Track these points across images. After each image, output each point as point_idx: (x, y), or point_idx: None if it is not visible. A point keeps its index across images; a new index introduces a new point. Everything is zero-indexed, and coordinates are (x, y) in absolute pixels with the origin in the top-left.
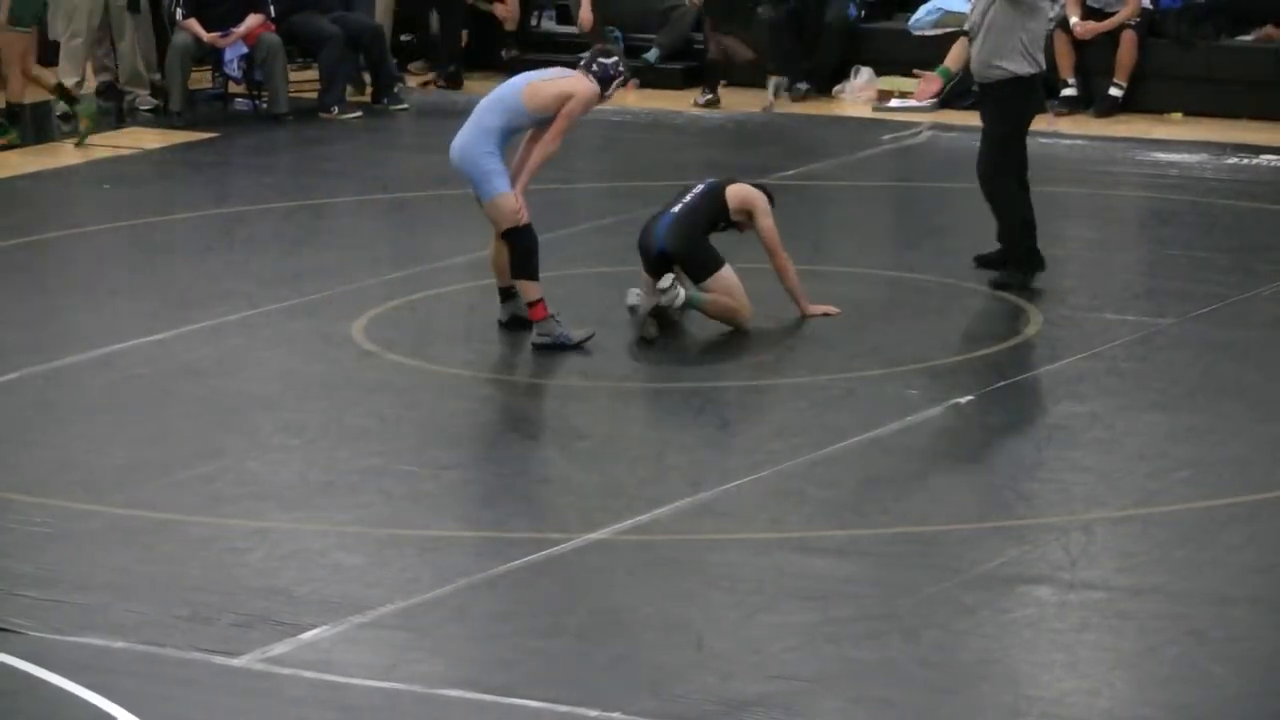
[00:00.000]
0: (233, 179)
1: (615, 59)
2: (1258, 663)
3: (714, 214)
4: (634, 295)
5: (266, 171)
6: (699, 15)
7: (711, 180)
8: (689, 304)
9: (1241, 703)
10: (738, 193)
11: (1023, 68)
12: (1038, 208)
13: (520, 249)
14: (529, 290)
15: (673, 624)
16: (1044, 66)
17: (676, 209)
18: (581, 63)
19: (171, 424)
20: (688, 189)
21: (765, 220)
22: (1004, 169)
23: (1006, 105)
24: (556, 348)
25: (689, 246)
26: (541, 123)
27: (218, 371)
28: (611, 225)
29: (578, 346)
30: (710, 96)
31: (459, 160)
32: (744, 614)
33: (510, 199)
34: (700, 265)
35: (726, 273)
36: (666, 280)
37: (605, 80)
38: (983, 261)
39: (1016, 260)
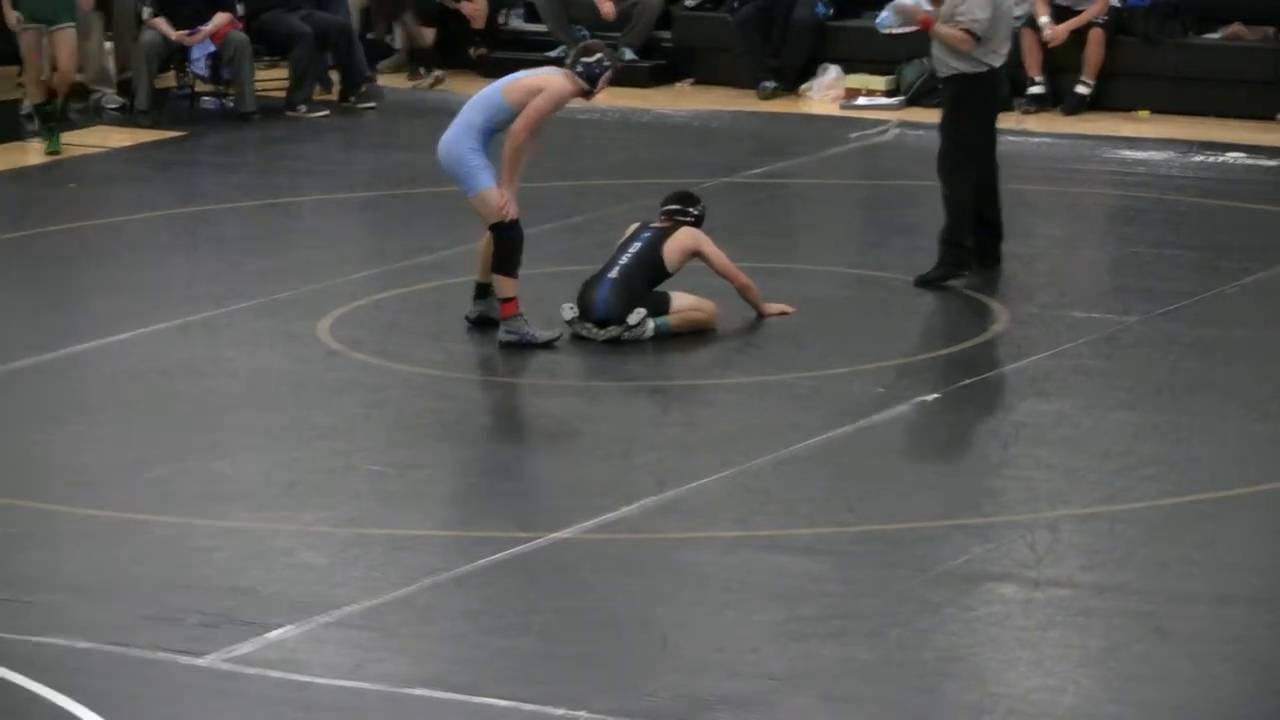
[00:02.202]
0: (200, 178)
1: (599, 56)
2: (1222, 660)
3: (653, 275)
4: (568, 310)
5: (233, 170)
6: (664, 10)
7: (647, 233)
8: (659, 332)
9: (1205, 700)
10: (674, 250)
11: (967, 65)
12: (1005, 206)
13: (504, 245)
14: (504, 286)
15: (639, 622)
16: (994, 66)
17: (614, 274)
18: (567, 62)
19: (137, 424)
20: (625, 246)
21: (711, 250)
22: (956, 163)
23: (954, 101)
24: (523, 346)
25: (631, 308)
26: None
27: (184, 371)
28: (580, 224)
29: (544, 346)
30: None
31: (444, 158)
32: (710, 612)
33: (495, 194)
34: (653, 311)
35: (678, 297)
36: (635, 316)
37: (591, 78)
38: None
39: (943, 255)
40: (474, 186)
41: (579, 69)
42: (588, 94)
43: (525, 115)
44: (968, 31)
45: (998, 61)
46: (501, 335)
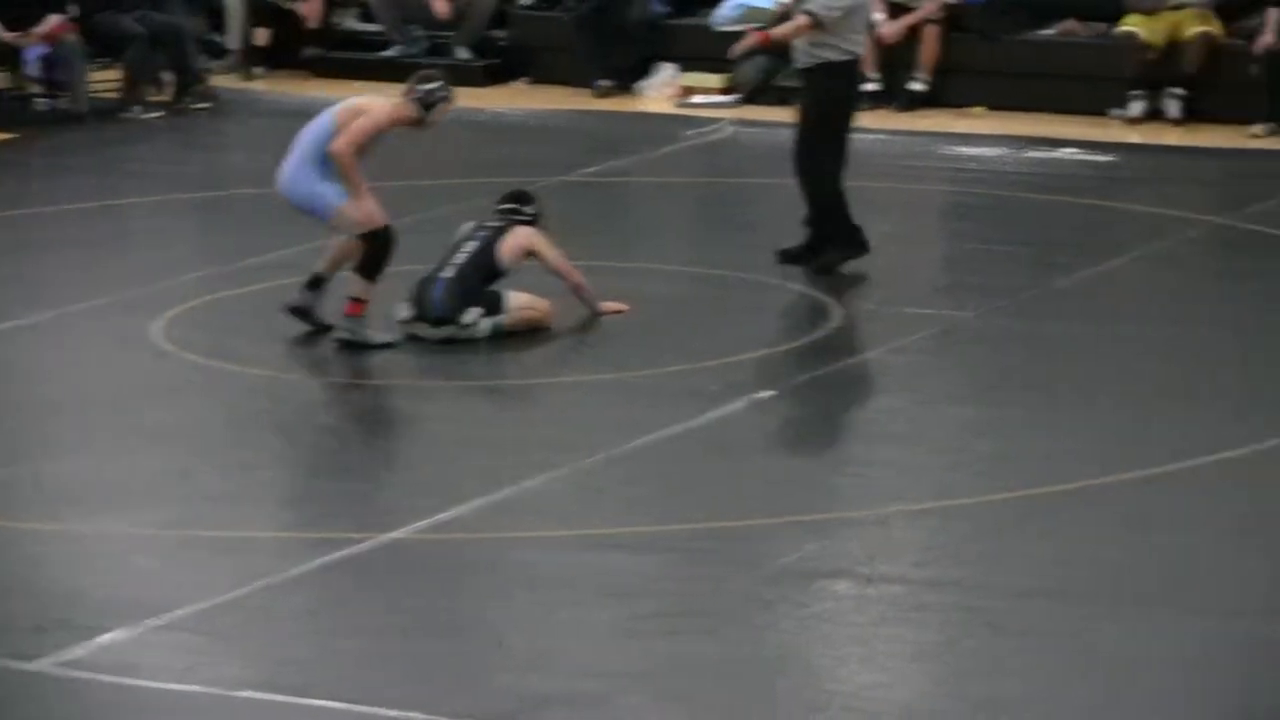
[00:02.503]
0: (32, 180)
1: (438, 84)
2: (1054, 654)
3: (487, 274)
4: (403, 309)
5: (67, 172)
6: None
7: (483, 233)
8: (494, 331)
9: (1038, 695)
10: (509, 249)
11: (833, 54)
12: None
13: (372, 250)
14: (359, 288)
15: (473, 623)
16: (858, 54)
17: (448, 273)
18: (404, 90)
19: None
20: (460, 245)
21: (549, 253)
22: (818, 154)
23: (818, 90)
24: (358, 347)
25: (466, 307)
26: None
27: (15, 374)
28: (414, 224)
29: (379, 348)
30: None
31: (286, 195)
32: (545, 611)
33: (351, 207)
34: (487, 310)
35: (513, 296)
36: (470, 316)
37: (426, 105)
38: (787, 257)
39: (838, 239)
40: (328, 211)
41: (416, 94)
42: (421, 122)
43: (347, 133)
44: (809, 15)
45: (858, 49)
46: (338, 333)
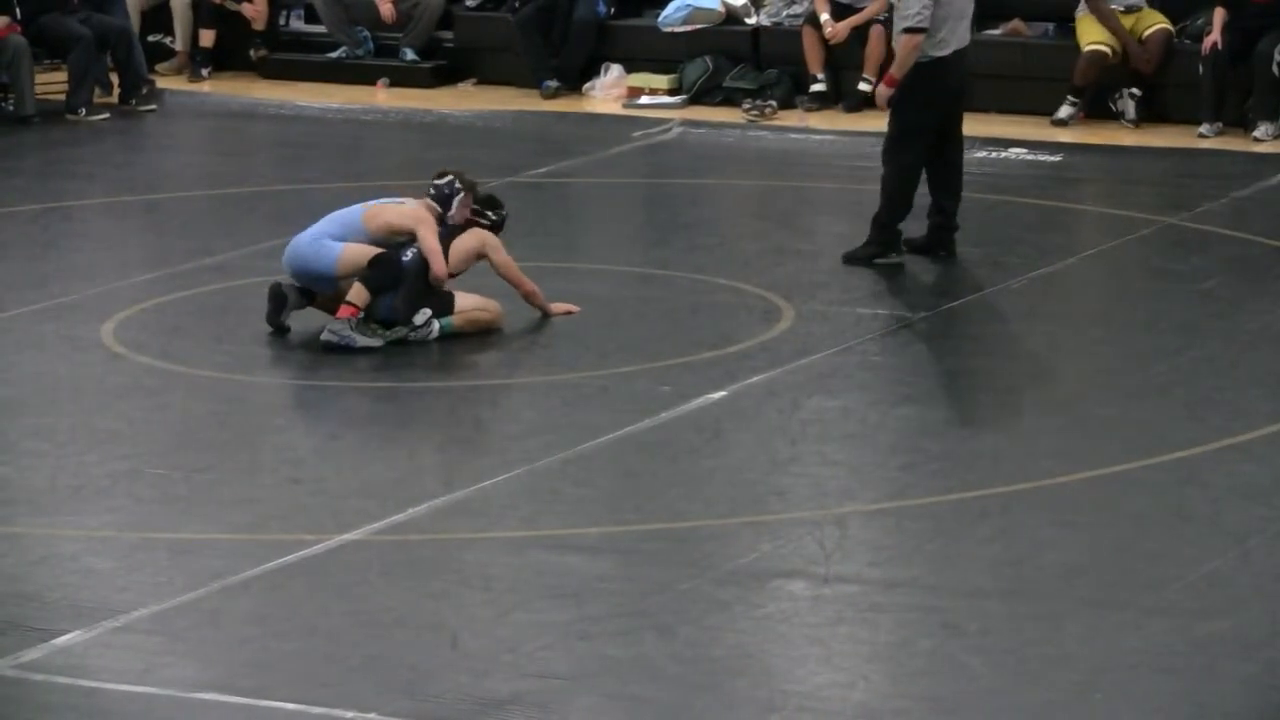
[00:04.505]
0: None
1: (449, 178)
2: (1010, 654)
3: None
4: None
5: (13, 174)
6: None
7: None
8: (444, 332)
9: (994, 694)
10: (459, 250)
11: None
12: (788, 203)
13: (380, 265)
14: (358, 293)
15: (427, 624)
16: (935, 56)
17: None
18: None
19: None
20: (408, 246)
21: (499, 255)
22: (891, 147)
23: (901, 88)
24: (342, 350)
25: (416, 309)
26: (378, 244)
27: None
28: None
29: (362, 351)
30: None
31: (295, 266)
32: (498, 612)
33: (351, 248)
34: (438, 311)
35: (462, 297)
36: (421, 317)
37: (444, 200)
38: (912, 246)
39: (871, 234)
40: (330, 260)
41: (432, 193)
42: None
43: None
44: (909, 33)
45: (939, 51)
46: (325, 335)
